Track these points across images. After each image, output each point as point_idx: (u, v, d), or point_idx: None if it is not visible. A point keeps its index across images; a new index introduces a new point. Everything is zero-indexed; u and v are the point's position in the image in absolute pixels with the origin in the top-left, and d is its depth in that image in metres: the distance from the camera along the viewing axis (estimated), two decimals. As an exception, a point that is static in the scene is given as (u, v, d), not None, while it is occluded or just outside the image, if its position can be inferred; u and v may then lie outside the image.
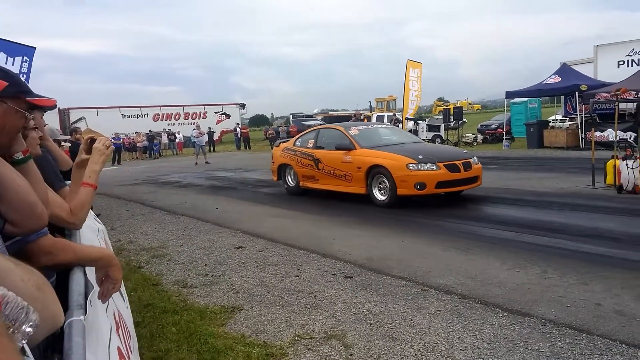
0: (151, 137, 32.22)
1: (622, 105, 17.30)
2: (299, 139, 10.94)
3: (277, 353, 3.42)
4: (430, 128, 28.18)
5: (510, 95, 21.94)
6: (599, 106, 17.83)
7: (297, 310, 4.19)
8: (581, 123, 18.48)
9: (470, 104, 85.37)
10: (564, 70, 20.00)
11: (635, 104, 16.74)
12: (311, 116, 42.15)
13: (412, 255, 5.64)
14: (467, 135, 26.14)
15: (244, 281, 5.07)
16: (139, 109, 42.06)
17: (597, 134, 16.35)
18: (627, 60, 19.89)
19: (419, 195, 8.37)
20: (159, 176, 17.76)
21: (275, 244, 6.55)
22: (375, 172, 8.76)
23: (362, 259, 5.59)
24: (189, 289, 4.96)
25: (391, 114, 31.80)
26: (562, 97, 22.71)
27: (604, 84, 17.65)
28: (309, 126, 24.71)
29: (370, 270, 5.18)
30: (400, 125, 28.13)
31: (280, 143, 11.72)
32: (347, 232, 7.06)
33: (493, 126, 27.63)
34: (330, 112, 48.71)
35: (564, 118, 21.39)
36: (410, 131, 28.48)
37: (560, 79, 19.38)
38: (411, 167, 8.30)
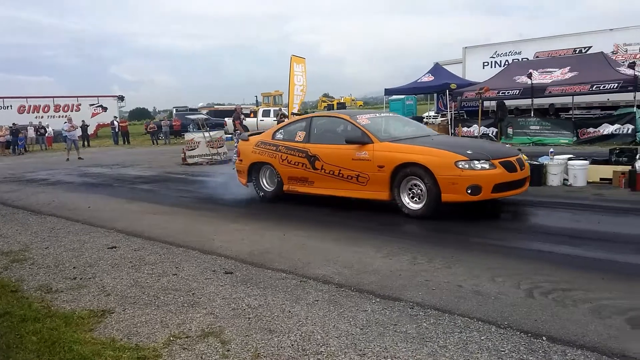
0: (15, 130, 29.38)
1: (487, 103, 18.92)
2: (281, 131, 8.60)
3: (150, 355, 3.28)
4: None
5: (388, 92, 23.01)
6: (466, 103, 19.31)
7: (173, 309, 4.05)
8: (452, 119, 19.90)
9: (353, 100, 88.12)
10: (437, 69, 21.38)
11: (496, 102, 18.34)
12: (196, 110, 41.05)
13: (293, 248, 5.70)
14: (350, 130, 26.97)
15: (116, 283, 4.80)
16: (1, 100, 38.23)
17: (464, 129, 17.71)
18: (491, 62, 21.76)
19: (469, 202, 6.56)
20: (24, 173, 16.26)
21: (153, 242, 6.28)
22: (405, 172, 6.77)
23: (244, 254, 5.54)
24: (54, 294, 4.59)
25: (277, 108, 31.91)
26: (435, 95, 24.29)
27: (471, 83, 19.15)
28: (193, 120, 24.01)
29: (251, 265, 5.15)
30: (286, 120, 28.37)
31: (250, 136, 9.33)
32: (228, 226, 6.96)
33: (374, 122, 28.84)
34: (216, 106, 47.80)
35: (436, 114, 22.93)
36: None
37: (434, 77, 20.69)
38: (461, 166, 6.40)
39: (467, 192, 6.35)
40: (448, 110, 20.31)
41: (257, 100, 53.98)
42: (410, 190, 6.84)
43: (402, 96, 26.97)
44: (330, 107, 27.87)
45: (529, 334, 3.25)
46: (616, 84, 13.43)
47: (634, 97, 14.56)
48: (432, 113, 24.12)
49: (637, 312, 3.48)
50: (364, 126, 7.53)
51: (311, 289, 4.35)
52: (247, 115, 30.89)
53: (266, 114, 31.82)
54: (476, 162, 6.45)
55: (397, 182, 6.85)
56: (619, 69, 14.29)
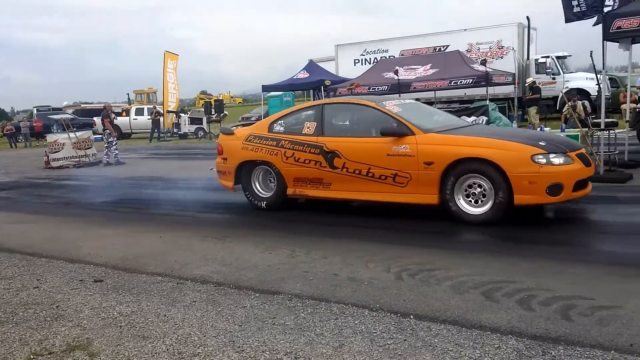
0: None
1: (360, 99, 19.64)
2: (280, 122, 7.08)
3: (8, 377, 2.99)
4: (193, 121, 28.02)
5: (266, 89, 23.06)
6: (341, 99, 19.88)
7: (34, 325, 3.73)
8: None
9: (232, 97, 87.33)
10: (311, 66, 21.80)
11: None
12: (60, 109, 38.02)
13: (170, 249, 5.52)
14: (229, 127, 26.65)
15: (-34, 302, 4.31)
16: None
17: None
18: (361, 59, 22.66)
19: (547, 204, 5.80)
20: None
21: (11, 254, 5.72)
22: (463, 169, 5.63)
23: (116, 260, 5.25)
24: None
25: (151, 106, 30.60)
26: (312, 91, 24.77)
27: (344, 79, 19.77)
28: (57, 120, 22.20)
29: (124, 271, 4.90)
30: (162, 119, 27.39)
31: (235, 128, 7.78)
32: (98, 232, 6.55)
33: (253, 118, 28.68)
34: (83, 105, 44.71)
35: (314, 110, 23.37)
36: (173, 124, 28.02)
37: (309, 74, 21.08)
38: (539, 160, 5.34)
39: (547, 193, 5.32)
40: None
41: (129, 98, 51.35)
42: (470, 190, 5.66)
43: (280, 93, 27.16)
44: (207, 105, 27.21)
45: (398, 314, 3.45)
46: (471, 80, 14.69)
47: (487, 92, 16.05)
48: (309, 109, 24.61)
49: (490, 286, 3.83)
50: (397, 114, 6.23)
51: (188, 291, 4.24)
52: (119, 114, 29.29)
53: (139, 112, 30.38)
54: (553, 155, 5.42)
55: (449, 182, 5.67)
56: (473, 66, 15.62)
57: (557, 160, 5.39)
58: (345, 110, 7.09)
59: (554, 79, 19.44)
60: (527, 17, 19.40)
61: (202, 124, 27.20)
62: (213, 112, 26.22)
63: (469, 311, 3.42)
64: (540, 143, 5.58)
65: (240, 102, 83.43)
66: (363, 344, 3.06)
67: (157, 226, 6.69)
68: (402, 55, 20.78)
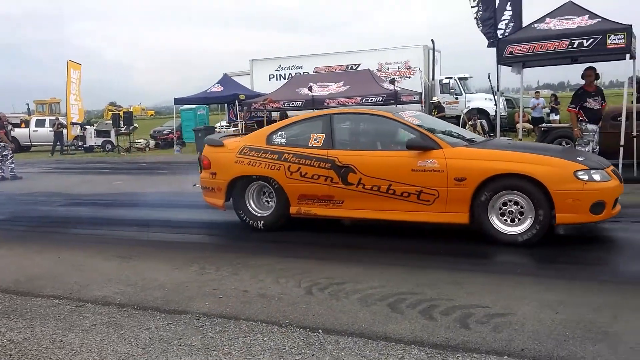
0: None
1: (274, 113, 19.77)
2: (281, 133, 6.41)
3: None
4: (100, 133, 26.73)
5: (178, 101, 22.52)
6: (255, 114, 19.89)
7: None
8: (243, 129, 20.30)
9: (143, 109, 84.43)
10: (226, 80, 21.61)
11: (279, 112, 19.28)
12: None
13: (69, 270, 5.20)
14: (139, 140, 25.75)
15: None
16: None
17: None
18: (276, 74, 22.82)
19: (589, 223, 5.45)
20: None
21: None
22: (499, 186, 5.24)
23: (7, 283, 4.86)
24: None
25: (54, 117, 28.83)
26: (226, 105, 24.53)
27: (259, 94, 19.80)
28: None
29: (16, 294, 4.54)
30: (65, 131, 25.89)
31: (224, 139, 6.86)
32: (-12, 253, 6.05)
33: (165, 131, 27.98)
34: (-26, 115, 41.18)
35: (228, 124, 23.16)
36: (76, 137, 26.55)
37: (223, 88, 20.86)
38: (582, 177, 5.06)
39: (590, 211, 5.04)
40: (239, 120, 20.69)
41: (29, 109, 48.08)
42: (505, 209, 5.29)
43: (194, 106, 26.63)
44: (116, 117, 26.06)
45: (307, 329, 3.47)
46: (381, 97, 15.26)
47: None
48: (224, 123, 24.30)
49: (396, 297, 3.96)
50: (419, 126, 5.84)
51: (88, 313, 4.01)
52: (17, 125, 27.33)
53: (40, 123, 28.52)
54: (594, 171, 5.16)
55: (482, 199, 5.28)
56: (383, 84, 16.27)
57: (597, 176, 5.13)
58: (358, 121, 6.56)
59: (456, 98, 20.62)
60: (432, 40, 20.53)
61: (109, 137, 26.00)
62: (122, 125, 25.16)
63: (375, 323, 3.51)
64: (578, 158, 5.38)
65: (152, 115, 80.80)
66: (271, 361, 3.05)
67: (55, 245, 6.29)
68: (316, 71, 21.16)
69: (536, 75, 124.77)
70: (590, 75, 8.41)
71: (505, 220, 5.30)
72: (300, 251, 5.63)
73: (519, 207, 5.23)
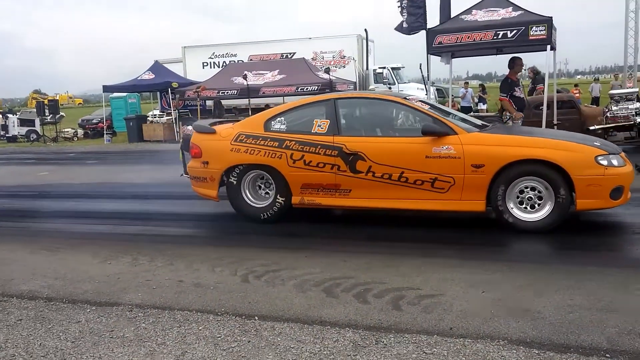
0: None
1: (209, 102, 19.42)
2: (280, 119, 6.00)
3: None
4: (23, 122, 25.33)
5: (108, 89, 21.70)
6: (189, 102, 19.45)
7: None
8: (177, 117, 19.82)
9: (70, 97, 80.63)
10: (157, 67, 20.99)
11: (213, 101, 18.97)
12: None
13: (-10, 266, 4.92)
14: (66, 130, 24.61)
15: None
16: None
17: (189, 127, 17.81)
18: (210, 62, 22.38)
19: (607, 208, 5.26)
20: None
21: None
22: (518, 172, 5.11)
23: None
24: None
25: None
26: (158, 93, 23.83)
27: (192, 82, 19.37)
28: None
29: None
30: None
31: (213, 124, 6.50)
32: None
33: (94, 121, 26.88)
34: None
35: (161, 113, 22.52)
36: (-3, 126, 24.99)
37: (154, 75, 20.27)
38: (602, 162, 4.99)
39: (610, 197, 5.00)
40: (172, 108, 20.17)
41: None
42: (522, 196, 5.17)
43: (124, 94, 25.69)
44: (41, 105, 24.71)
45: (244, 316, 3.47)
46: (316, 87, 15.35)
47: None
48: (156, 112, 23.59)
49: (331, 282, 4.03)
50: (431, 111, 5.64)
51: (13, 309, 3.84)
52: None
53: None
54: (612, 156, 5.08)
55: (499, 186, 5.14)
56: (318, 73, 16.37)
57: (615, 161, 5.06)
58: (365, 106, 6.26)
59: (390, 88, 21.03)
60: (365, 30, 20.79)
61: (34, 126, 24.66)
62: (47, 113, 23.90)
63: (310, 308, 3.56)
64: (595, 143, 5.31)
65: (80, 103, 77.35)
66: (207, 349, 3.03)
67: (-26, 240, 5.93)
68: (251, 60, 20.95)
69: (465, 66, 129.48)
70: (521, 64, 8.71)
71: (525, 207, 5.17)
72: (236, 240, 5.61)
73: (537, 192, 5.12)
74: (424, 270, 4.22)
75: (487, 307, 3.44)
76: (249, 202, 6.08)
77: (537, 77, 13.92)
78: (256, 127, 6.04)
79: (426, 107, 5.79)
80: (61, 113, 25.70)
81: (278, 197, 5.92)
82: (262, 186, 6.11)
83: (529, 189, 5.15)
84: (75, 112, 40.51)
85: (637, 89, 13.29)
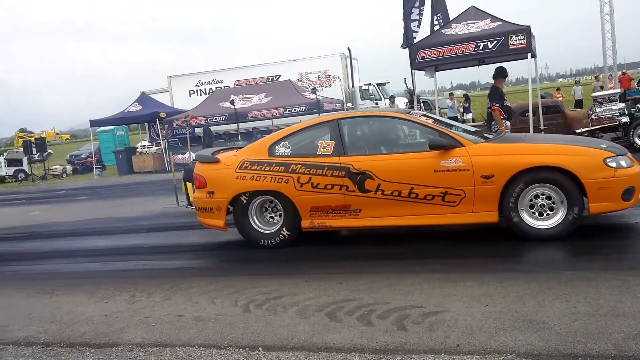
0: None
1: (198, 130, 19.43)
2: (283, 143, 5.98)
3: None
4: (11, 162, 25.17)
5: (95, 123, 21.67)
6: (178, 131, 19.46)
7: None
8: (166, 147, 19.79)
9: (57, 133, 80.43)
10: (144, 98, 21.02)
11: (202, 128, 18.99)
12: None
13: (-16, 313, 4.83)
14: (55, 167, 24.50)
15: None
16: None
17: (179, 156, 17.84)
18: (196, 90, 22.47)
19: (619, 210, 5.21)
20: None
21: None
22: (527, 180, 5.07)
23: None
24: None
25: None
26: (147, 124, 23.83)
27: (180, 111, 19.41)
28: None
29: None
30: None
31: (216, 153, 6.40)
32: None
33: (83, 155, 26.79)
34: None
35: (150, 144, 22.50)
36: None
37: (141, 107, 20.28)
38: (611, 164, 4.98)
39: (622, 198, 4.99)
40: (161, 139, 20.16)
41: None
42: (534, 203, 5.13)
43: (112, 127, 25.67)
44: (27, 143, 24.61)
45: (247, 348, 3.42)
46: (304, 107, 15.45)
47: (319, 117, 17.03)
48: (145, 142, 23.58)
49: (333, 306, 3.98)
50: (435, 125, 5.63)
51: (10, 357, 3.75)
52: None
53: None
54: (620, 158, 5.08)
55: (510, 195, 5.11)
56: (305, 94, 16.48)
57: (623, 162, 5.07)
58: (368, 124, 6.23)
59: (377, 104, 21.18)
60: (348, 48, 20.99)
61: (22, 166, 24.51)
62: (34, 152, 23.80)
63: (315, 334, 3.51)
64: (602, 145, 5.33)
65: (67, 139, 77.13)
66: (212, 386, 2.97)
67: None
68: (237, 85, 21.04)
69: (449, 77, 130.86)
70: (506, 75, 8.71)
71: (536, 215, 5.14)
72: (234, 269, 5.56)
73: (548, 200, 5.10)
74: (426, 287, 4.19)
75: (492, 320, 3.41)
76: (257, 228, 5.99)
77: (412, 97, 14.11)
78: (260, 153, 5.98)
79: (430, 121, 5.79)
80: (49, 150, 25.65)
81: (284, 229, 5.87)
82: (271, 212, 6.04)
83: (540, 197, 5.11)
84: (63, 148, 40.41)
85: (619, 90, 13.49)
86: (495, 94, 8.32)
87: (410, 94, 14.60)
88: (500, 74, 8.34)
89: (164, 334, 3.82)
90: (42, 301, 5.01)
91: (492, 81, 8.59)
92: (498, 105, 8.26)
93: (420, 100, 20.91)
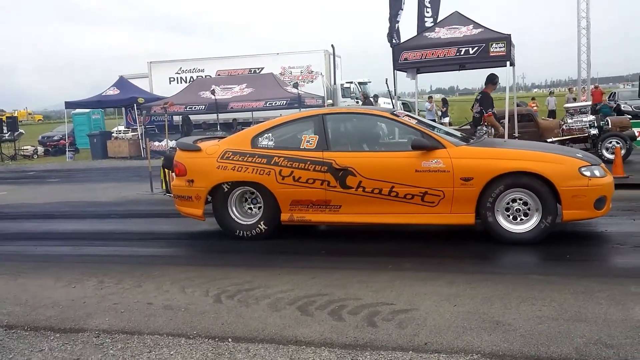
0: None
1: (177, 118, 19.21)
2: (267, 135, 5.96)
3: None
4: (-21, 141, 24.45)
5: (70, 105, 21.23)
6: (156, 118, 19.21)
7: None
8: (143, 134, 19.52)
9: (30, 113, 78.60)
10: (122, 83, 20.67)
11: (181, 116, 18.79)
12: None
13: (-55, 293, 4.70)
14: (26, 147, 23.90)
15: None
16: None
17: (156, 143, 17.62)
18: (177, 77, 22.21)
19: (591, 218, 5.44)
20: None
21: None
22: (504, 185, 5.19)
23: None
24: None
25: None
26: (124, 109, 23.46)
27: (159, 98, 19.15)
28: None
29: None
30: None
31: (198, 141, 6.37)
32: None
33: (56, 137, 26.23)
34: None
35: (127, 129, 22.15)
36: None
37: (119, 91, 19.95)
38: (586, 173, 5.15)
39: (594, 207, 5.17)
40: (138, 124, 19.86)
41: None
42: (510, 207, 5.26)
43: (88, 110, 25.17)
44: (-2, 122, 23.97)
45: (217, 339, 3.40)
46: (285, 101, 15.42)
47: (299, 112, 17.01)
48: (121, 128, 23.20)
49: (305, 300, 3.99)
50: (418, 126, 5.74)
51: (-29, 339, 3.65)
52: None
53: None
54: (594, 167, 5.28)
55: (488, 199, 5.22)
56: (287, 88, 16.45)
57: (597, 172, 5.26)
58: (353, 121, 6.27)
59: (357, 102, 21.24)
60: (332, 45, 21.01)
61: (-9, 144, 23.87)
62: (5, 131, 23.20)
63: (285, 327, 3.51)
64: (577, 155, 5.52)
65: (40, 120, 75.42)
66: (179, 375, 2.95)
67: None
68: (219, 75, 20.87)
69: (429, 80, 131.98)
70: (497, 82, 8.92)
71: (512, 218, 5.27)
72: (208, 258, 5.53)
73: (524, 205, 5.23)
74: (397, 285, 4.23)
75: (460, 320, 3.46)
76: (235, 219, 5.99)
77: (366, 100, 14.38)
78: (243, 144, 5.97)
79: (414, 121, 5.89)
80: (20, 130, 25.01)
81: (261, 223, 5.88)
82: (250, 203, 6.04)
83: (517, 201, 5.25)
84: (35, 129, 39.49)
85: (590, 102, 13.79)
86: (487, 100, 8.68)
87: (365, 96, 14.74)
88: (491, 80, 8.71)
89: (132, 321, 3.78)
90: (7, 283, 4.89)
91: (477, 87, 8.79)
92: (491, 111, 8.58)
93: (400, 102, 21.06)
